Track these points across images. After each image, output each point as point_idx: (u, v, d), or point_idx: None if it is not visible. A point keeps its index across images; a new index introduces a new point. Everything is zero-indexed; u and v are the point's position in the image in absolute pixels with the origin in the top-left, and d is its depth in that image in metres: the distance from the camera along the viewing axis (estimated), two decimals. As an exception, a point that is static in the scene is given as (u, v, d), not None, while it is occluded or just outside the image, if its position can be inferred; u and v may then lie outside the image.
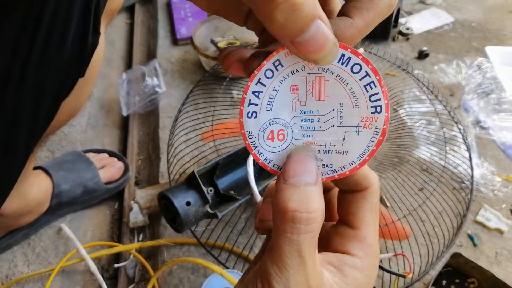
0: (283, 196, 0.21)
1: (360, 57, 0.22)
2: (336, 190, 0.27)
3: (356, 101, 0.22)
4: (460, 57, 1.04)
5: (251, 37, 0.98)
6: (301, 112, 0.23)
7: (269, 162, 0.24)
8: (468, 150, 0.76)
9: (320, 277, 0.21)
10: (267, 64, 0.23)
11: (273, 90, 0.23)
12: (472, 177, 0.72)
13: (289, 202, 0.20)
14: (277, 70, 0.23)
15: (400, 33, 1.13)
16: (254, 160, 0.57)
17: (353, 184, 0.24)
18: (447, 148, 0.74)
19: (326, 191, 0.27)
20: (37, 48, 0.39)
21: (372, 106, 0.22)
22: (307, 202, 0.21)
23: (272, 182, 0.25)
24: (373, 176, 0.24)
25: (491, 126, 0.87)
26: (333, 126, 0.23)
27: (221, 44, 0.93)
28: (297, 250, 0.20)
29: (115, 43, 1.19)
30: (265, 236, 0.28)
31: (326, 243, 0.24)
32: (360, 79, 0.22)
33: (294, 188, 0.21)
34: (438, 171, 0.73)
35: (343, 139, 0.23)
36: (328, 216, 0.27)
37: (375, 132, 0.22)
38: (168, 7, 1.23)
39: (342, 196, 0.25)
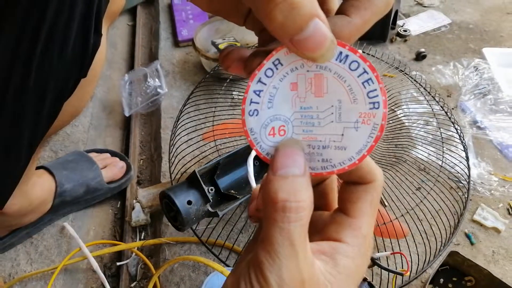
0: (272, 187, 0.21)
1: (358, 54, 0.22)
2: (329, 181, 0.28)
3: (354, 98, 0.22)
4: (457, 59, 1.05)
5: (252, 38, 0.99)
6: (301, 108, 0.23)
7: (271, 156, 0.24)
8: (465, 150, 0.76)
9: (311, 266, 0.22)
10: (267, 63, 0.23)
11: (274, 88, 0.23)
12: (469, 176, 0.73)
13: (279, 193, 0.21)
14: (277, 69, 0.23)
15: (398, 34, 1.13)
16: (254, 160, 0.58)
17: (358, 177, 0.24)
18: (444, 148, 0.75)
19: (320, 182, 0.27)
20: (39, 49, 0.39)
21: (370, 102, 0.22)
22: (296, 192, 0.21)
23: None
24: (378, 172, 0.25)
25: (488, 126, 0.88)
26: (332, 122, 0.23)
27: (222, 46, 0.94)
28: (288, 239, 0.21)
29: (117, 45, 1.20)
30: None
31: (322, 230, 0.25)
32: (358, 76, 0.22)
33: (283, 180, 0.21)
34: (435, 171, 0.73)
35: (342, 135, 0.23)
36: (322, 205, 0.28)
37: (373, 128, 0.22)
38: (170, 9, 1.24)
39: (345, 185, 0.25)
